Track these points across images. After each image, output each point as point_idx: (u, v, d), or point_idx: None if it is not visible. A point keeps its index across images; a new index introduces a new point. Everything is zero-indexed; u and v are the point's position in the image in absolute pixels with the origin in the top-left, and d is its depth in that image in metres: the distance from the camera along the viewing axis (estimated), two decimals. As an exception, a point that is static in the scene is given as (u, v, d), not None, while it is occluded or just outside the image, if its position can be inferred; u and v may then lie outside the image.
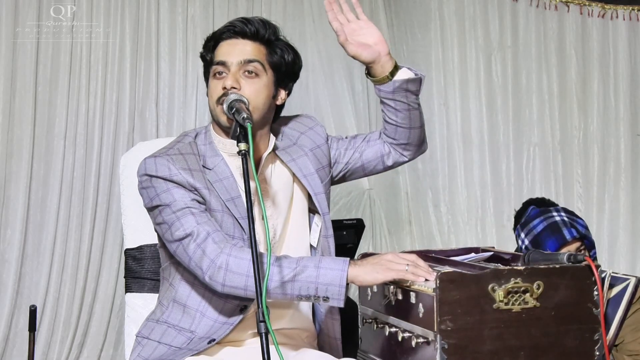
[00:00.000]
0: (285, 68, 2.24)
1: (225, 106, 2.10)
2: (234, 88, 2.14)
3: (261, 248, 2.12)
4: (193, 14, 4.32)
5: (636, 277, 2.03)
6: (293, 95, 4.46)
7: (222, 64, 2.18)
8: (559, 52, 4.91)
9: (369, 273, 2.00)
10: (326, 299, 2.00)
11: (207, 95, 2.25)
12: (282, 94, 2.27)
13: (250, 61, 2.17)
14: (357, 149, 2.43)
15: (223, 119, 2.15)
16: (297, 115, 2.44)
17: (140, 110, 4.23)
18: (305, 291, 2.01)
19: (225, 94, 2.14)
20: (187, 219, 2.09)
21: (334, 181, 2.44)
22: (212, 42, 2.25)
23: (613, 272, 2.06)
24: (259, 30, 2.20)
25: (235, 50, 2.19)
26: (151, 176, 2.14)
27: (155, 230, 2.27)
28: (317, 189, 2.28)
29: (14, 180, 3.99)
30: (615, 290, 2.04)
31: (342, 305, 2.01)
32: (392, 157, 2.42)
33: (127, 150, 3.20)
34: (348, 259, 2.03)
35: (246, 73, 2.17)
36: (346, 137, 2.47)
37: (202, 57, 2.28)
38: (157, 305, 2.31)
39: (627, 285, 2.04)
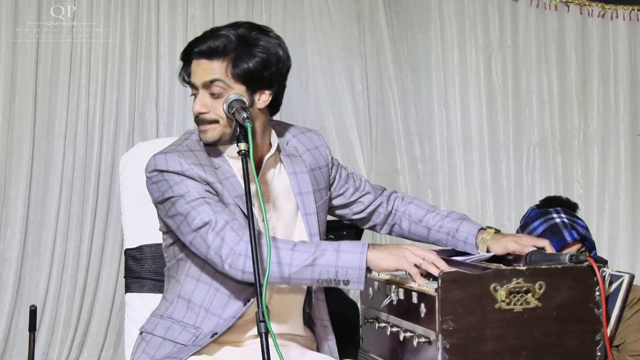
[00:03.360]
0: (253, 76, 2.15)
1: (225, 106, 2.10)
2: (203, 113, 2.15)
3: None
4: (193, 14, 4.32)
5: (629, 274, 2.03)
6: (293, 95, 4.53)
7: (192, 85, 2.18)
8: (559, 52, 4.91)
9: (385, 259, 2.02)
10: (346, 282, 2.01)
11: None
12: (264, 96, 2.19)
13: (211, 81, 2.13)
14: (352, 193, 2.46)
15: (202, 137, 2.17)
16: (306, 129, 2.44)
17: (140, 110, 4.23)
18: (325, 275, 2.01)
19: (199, 116, 2.16)
20: (203, 207, 2.08)
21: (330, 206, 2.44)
22: (186, 59, 2.22)
23: (612, 271, 2.06)
24: (217, 47, 2.13)
25: (199, 72, 2.16)
26: (162, 171, 2.13)
27: (161, 229, 2.26)
28: (309, 209, 2.27)
29: (14, 180, 3.99)
30: (612, 287, 2.04)
31: (362, 288, 2.03)
32: (367, 224, 2.53)
33: (127, 150, 3.20)
34: (367, 242, 2.04)
35: (212, 94, 2.15)
36: (344, 168, 2.49)
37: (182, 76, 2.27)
38: (161, 301, 2.32)
39: (622, 283, 2.04)
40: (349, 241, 2.05)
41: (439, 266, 1.98)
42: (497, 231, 2.33)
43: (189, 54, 2.18)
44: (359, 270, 2.00)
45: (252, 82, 2.16)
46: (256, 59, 2.14)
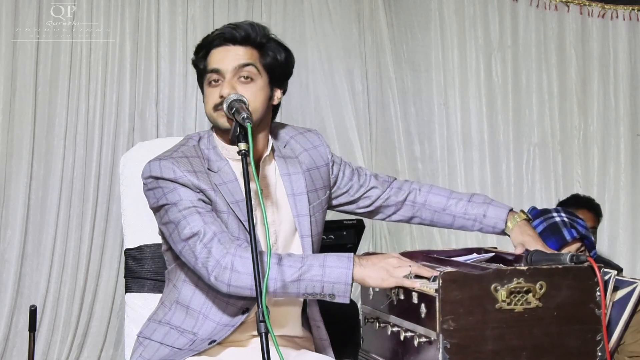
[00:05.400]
0: (279, 69, 2.23)
1: (225, 106, 2.10)
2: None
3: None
4: (193, 14, 4.32)
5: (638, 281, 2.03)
6: (293, 95, 4.53)
7: (217, 71, 2.18)
8: (559, 52, 4.91)
9: (373, 278, 2.02)
10: (332, 296, 2.02)
11: (203, 101, 2.24)
12: (278, 93, 2.26)
13: (244, 65, 2.16)
14: (357, 190, 2.45)
15: (222, 121, 2.15)
16: (305, 129, 2.43)
17: (140, 110, 4.23)
18: (311, 289, 2.02)
19: (223, 101, 2.14)
20: (193, 217, 2.09)
21: (330, 205, 2.43)
22: (203, 51, 2.23)
23: (617, 275, 2.06)
24: (249, 35, 2.19)
25: (228, 57, 2.18)
26: (157, 178, 2.14)
27: (160, 233, 2.27)
28: (301, 210, 2.27)
29: (14, 180, 3.99)
30: (621, 293, 2.04)
31: (347, 301, 2.03)
32: (377, 216, 2.52)
33: (127, 150, 3.20)
34: (352, 255, 2.03)
35: (242, 79, 2.16)
36: (348, 165, 2.47)
37: (195, 64, 2.27)
38: (159, 306, 2.31)
39: (634, 290, 2.04)
40: (335, 255, 2.04)
41: (426, 273, 1.99)
42: (529, 219, 2.33)
43: (212, 41, 2.20)
44: (345, 285, 2.00)
45: (275, 75, 2.22)
46: (284, 54, 2.23)
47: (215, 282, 2.05)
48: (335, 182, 2.41)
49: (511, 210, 2.36)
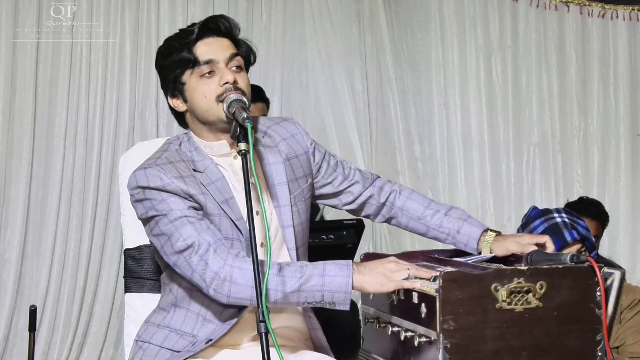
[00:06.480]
0: (251, 61, 2.26)
1: (225, 105, 2.09)
2: (235, 82, 2.13)
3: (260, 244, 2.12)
4: (193, 14, 4.33)
5: (620, 270, 2.03)
6: (293, 95, 4.54)
7: (209, 62, 2.15)
8: (559, 52, 4.91)
9: (372, 284, 2.01)
10: (332, 304, 2.01)
11: (184, 99, 2.19)
12: None
13: (235, 55, 2.18)
14: (341, 182, 2.41)
15: (224, 116, 2.13)
16: (281, 119, 2.40)
17: (140, 110, 4.23)
18: (311, 299, 2.02)
19: (227, 90, 2.12)
20: (185, 228, 2.06)
21: (314, 196, 2.40)
22: (190, 43, 2.18)
23: (606, 269, 2.05)
24: (232, 28, 2.21)
25: (218, 48, 2.17)
26: (144, 188, 2.11)
27: (151, 243, 2.25)
28: (282, 200, 2.24)
29: (14, 180, 4.00)
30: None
31: (347, 308, 2.02)
32: (361, 214, 2.48)
33: (127, 150, 3.19)
34: (350, 263, 2.03)
35: (234, 68, 2.16)
36: (333, 156, 2.44)
37: (180, 60, 2.17)
38: (157, 310, 2.30)
39: (613, 280, 2.04)
40: (334, 263, 2.03)
41: (424, 274, 1.98)
42: (498, 233, 2.31)
43: (197, 34, 2.18)
44: (344, 293, 2.00)
45: (247, 68, 2.24)
46: (253, 49, 2.26)
47: (214, 294, 2.04)
48: (318, 170, 2.37)
49: (485, 230, 2.31)
